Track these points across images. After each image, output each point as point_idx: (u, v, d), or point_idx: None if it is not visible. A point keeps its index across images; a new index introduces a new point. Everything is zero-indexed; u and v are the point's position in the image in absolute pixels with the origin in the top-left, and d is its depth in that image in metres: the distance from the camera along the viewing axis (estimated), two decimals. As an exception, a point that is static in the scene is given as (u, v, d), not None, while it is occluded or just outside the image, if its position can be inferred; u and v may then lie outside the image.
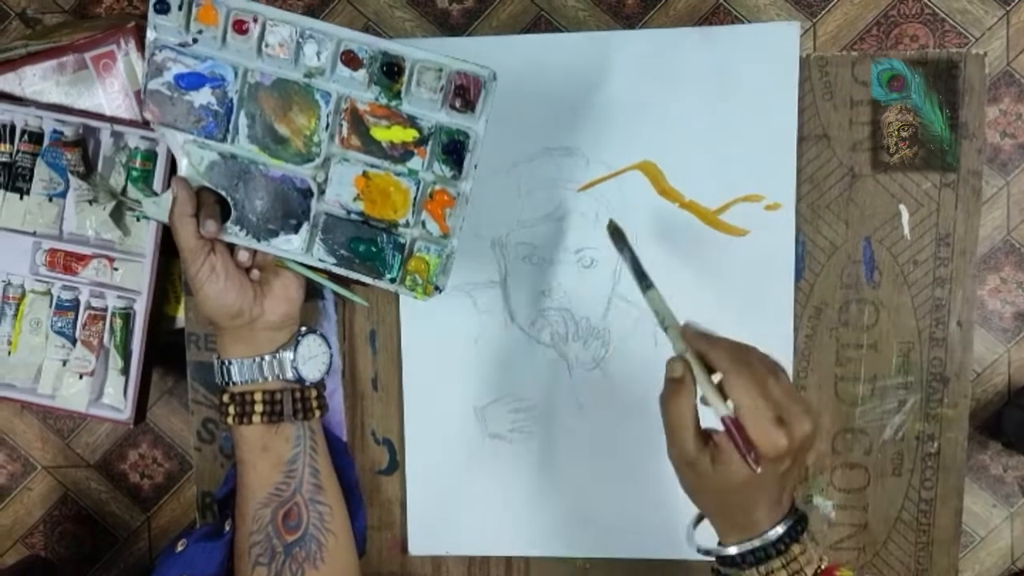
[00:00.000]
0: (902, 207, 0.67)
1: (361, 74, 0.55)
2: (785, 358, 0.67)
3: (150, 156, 0.74)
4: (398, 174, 0.58)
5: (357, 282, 0.61)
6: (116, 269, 0.76)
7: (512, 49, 0.67)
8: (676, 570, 0.69)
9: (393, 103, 0.56)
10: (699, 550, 0.52)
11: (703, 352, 0.50)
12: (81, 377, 0.77)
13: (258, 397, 0.60)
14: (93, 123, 0.74)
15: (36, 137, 0.75)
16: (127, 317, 0.77)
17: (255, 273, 0.61)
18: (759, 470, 0.46)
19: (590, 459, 0.69)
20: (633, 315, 0.67)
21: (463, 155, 0.57)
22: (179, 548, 0.63)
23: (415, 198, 0.58)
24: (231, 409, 0.60)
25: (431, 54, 0.55)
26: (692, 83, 0.66)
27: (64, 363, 0.77)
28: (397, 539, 0.71)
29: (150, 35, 0.56)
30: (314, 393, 0.63)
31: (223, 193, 0.59)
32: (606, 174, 0.67)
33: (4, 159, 0.75)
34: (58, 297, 0.76)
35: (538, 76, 0.66)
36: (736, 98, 0.65)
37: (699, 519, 0.53)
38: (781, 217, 0.66)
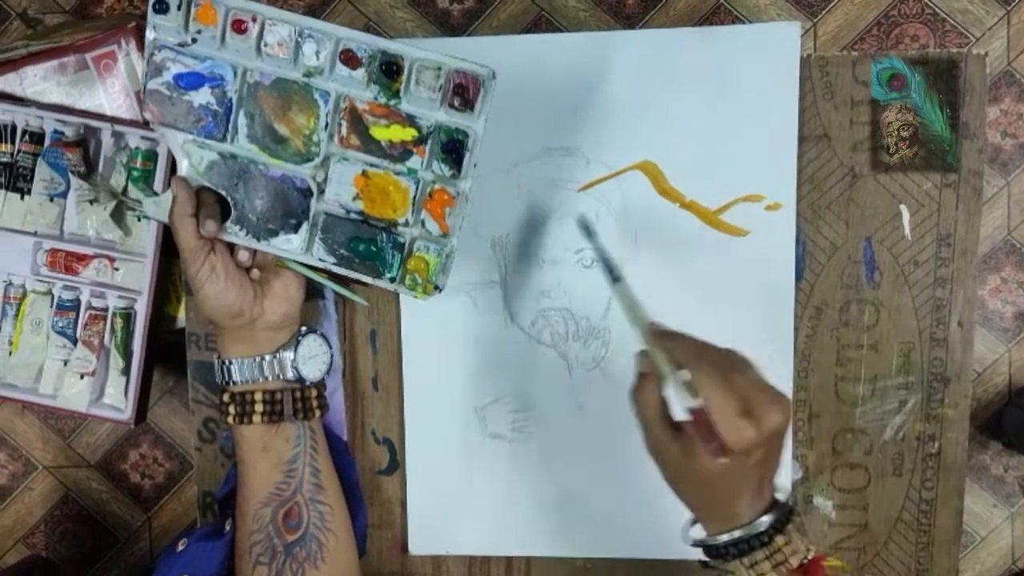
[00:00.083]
0: (903, 207, 0.67)
1: (360, 73, 0.55)
2: (785, 358, 0.67)
3: (151, 156, 0.74)
4: (397, 173, 0.58)
5: (357, 281, 0.61)
6: (117, 269, 0.76)
7: (512, 49, 0.67)
8: (676, 570, 0.69)
9: (392, 102, 0.56)
10: (692, 543, 0.53)
11: (667, 348, 0.51)
12: (82, 377, 0.77)
13: (258, 397, 0.60)
14: (94, 123, 0.74)
15: (37, 137, 0.75)
16: (128, 317, 0.77)
17: (255, 273, 0.61)
18: (724, 460, 0.47)
19: (590, 459, 0.69)
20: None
21: (462, 154, 0.57)
22: (180, 548, 0.63)
23: (414, 197, 0.58)
24: (231, 409, 0.60)
25: (430, 53, 0.55)
26: (693, 83, 0.66)
27: (65, 363, 0.77)
28: (397, 539, 0.71)
29: (149, 35, 0.56)
30: (314, 393, 0.64)
31: (223, 193, 0.59)
32: (606, 174, 0.67)
33: (5, 159, 0.75)
34: (59, 297, 0.77)
35: (538, 76, 0.66)
36: (736, 98, 0.65)
37: (696, 519, 0.54)
38: (781, 217, 0.66)
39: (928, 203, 0.67)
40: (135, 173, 0.74)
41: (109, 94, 0.77)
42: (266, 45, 0.55)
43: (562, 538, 0.70)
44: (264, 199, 0.59)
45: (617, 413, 0.68)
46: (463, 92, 0.55)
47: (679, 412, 0.50)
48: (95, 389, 0.78)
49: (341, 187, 0.58)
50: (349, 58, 0.55)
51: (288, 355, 0.62)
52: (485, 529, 0.70)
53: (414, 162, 0.57)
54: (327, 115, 0.57)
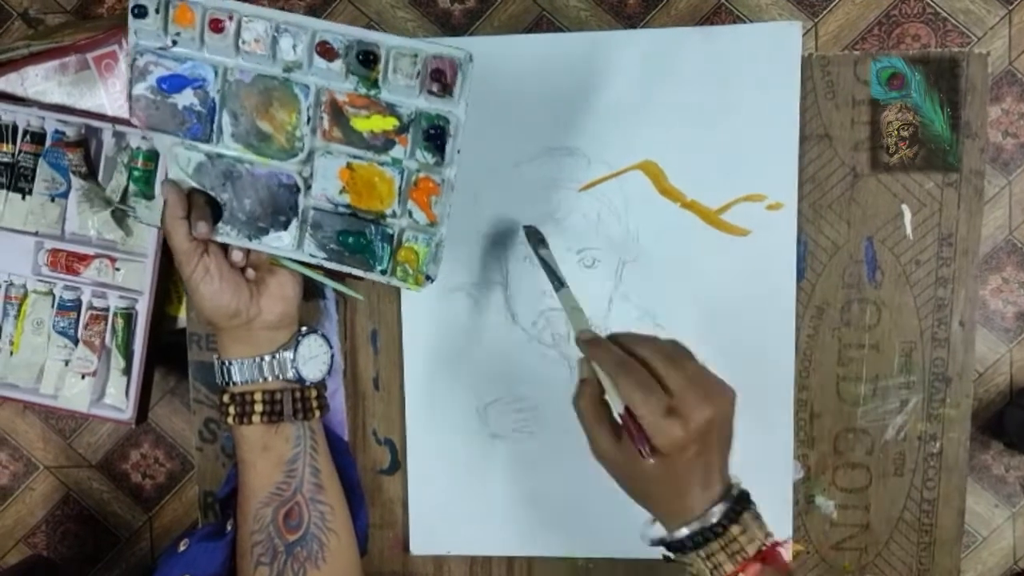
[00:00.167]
0: (904, 207, 0.67)
1: (338, 65, 0.55)
2: (786, 358, 0.67)
3: (152, 156, 0.74)
4: (382, 164, 0.57)
5: (353, 276, 0.61)
6: (118, 269, 0.76)
7: (513, 49, 0.67)
8: (677, 570, 0.69)
9: (372, 92, 0.56)
10: (651, 543, 0.53)
11: (596, 355, 0.52)
12: (83, 377, 0.77)
13: (258, 397, 0.60)
14: (95, 123, 0.74)
15: (38, 137, 0.75)
16: (129, 317, 0.77)
17: (250, 272, 0.61)
18: (652, 461, 0.49)
19: (592, 459, 0.69)
20: (634, 315, 0.67)
21: (445, 140, 0.56)
22: (181, 548, 0.63)
23: (400, 187, 0.58)
24: (231, 409, 0.61)
25: (405, 40, 0.54)
26: (694, 83, 0.66)
27: (66, 363, 0.77)
28: (399, 538, 0.71)
29: (131, 40, 0.56)
30: (314, 393, 0.64)
31: (212, 194, 0.59)
32: (607, 174, 0.67)
33: (6, 159, 0.75)
34: (60, 297, 0.77)
35: (540, 76, 0.66)
36: (738, 98, 0.65)
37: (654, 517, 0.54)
38: (783, 217, 0.66)
39: (930, 203, 0.67)
40: (136, 173, 0.74)
41: (110, 94, 0.77)
42: (244, 43, 0.55)
43: (564, 538, 0.70)
44: (252, 198, 0.59)
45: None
46: (441, 77, 0.54)
47: (618, 417, 0.51)
48: (96, 389, 0.78)
49: (327, 181, 0.58)
50: (326, 50, 0.55)
51: (288, 355, 0.62)
52: (486, 529, 0.70)
53: (397, 152, 0.57)
54: (308, 109, 0.57)
